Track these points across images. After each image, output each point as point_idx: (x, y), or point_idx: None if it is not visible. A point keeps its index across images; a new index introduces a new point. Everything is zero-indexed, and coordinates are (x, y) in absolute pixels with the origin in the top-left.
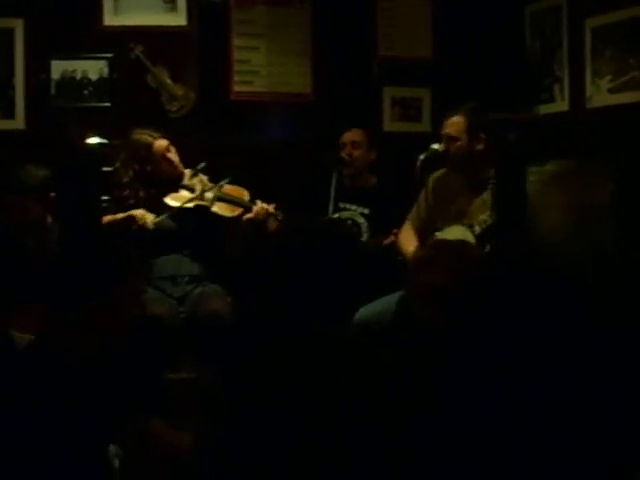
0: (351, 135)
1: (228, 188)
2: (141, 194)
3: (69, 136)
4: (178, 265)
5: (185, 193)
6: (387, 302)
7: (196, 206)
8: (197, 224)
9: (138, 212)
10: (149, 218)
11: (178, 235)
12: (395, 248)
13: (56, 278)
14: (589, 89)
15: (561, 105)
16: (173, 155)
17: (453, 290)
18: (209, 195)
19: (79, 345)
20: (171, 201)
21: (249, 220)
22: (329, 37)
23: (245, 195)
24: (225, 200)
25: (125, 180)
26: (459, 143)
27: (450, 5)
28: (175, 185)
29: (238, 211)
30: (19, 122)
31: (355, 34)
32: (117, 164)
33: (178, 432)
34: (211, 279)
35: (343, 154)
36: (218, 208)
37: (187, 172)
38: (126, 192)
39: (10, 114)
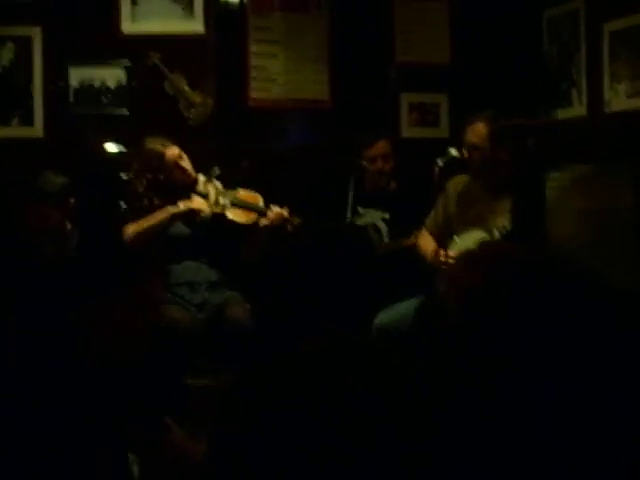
0: (381, 147)
1: (242, 194)
2: (156, 202)
3: (87, 143)
4: (196, 272)
5: (199, 200)
6: (407, 307)
7: (211, 213)
8: (212, 231)
9: (196, 205)
10: (207, 208)
11: (194, 242)
12: (415, 250)
13: (73, 276)
14: (607, 93)
15: (579, 110)
16: (185, 162)
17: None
18: (223, 201)
19: (95, 345)
20: (184, 204)
21: (264, 225)
22: (346, 43)
23: (260, 200)
24: (240, 206)
25: (140, 190)
26: (482, 151)
27: (467, 10)
28: (189, 192)
29: (253, 217)
30: (38, 130)
31: (372, 40)
32: (130, 174)
33: (197, 441)
34: (229, 285)
35: (374, 166)
36: (233, 214)
37: (201, 178)
38: (144, 202)
39: (29, 122)
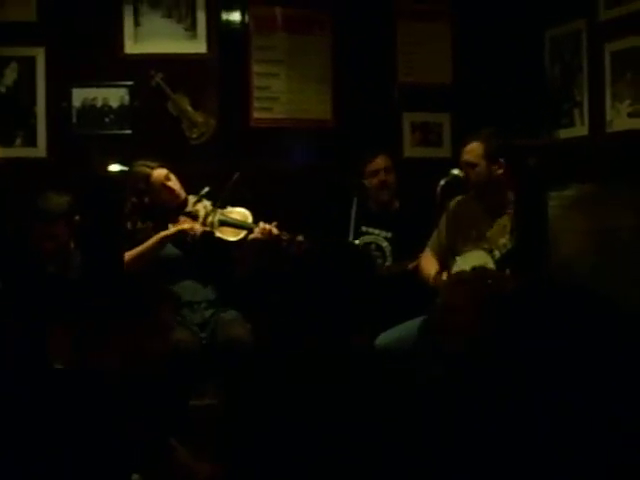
0: (382, 161)
1: (231, 212)
2: (138, 226)
3: (90, 164)
4: (193, 291)
5: (188, 220)
6: (408, 327)
7: (202, 231)
8: (203, 249)
9: (186, 225)
10: (198, 227)
11: (186, 262)
12: (418, 272)
13: (82, 302)
14: (609, 113)
15: (581, 129)
16: (173, 183)
17: (478, 326)
18: (211, 220)
19: (104, 368)
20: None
21: (253, 241)
22: (349, 63)
23: (248, 217)
24: (228, 224)
25: (126, 212)
26: (478, 169)
27: (469, 30)
28: (178, 213)
29: (242, 234)
30: (41, 150)
31: (375, 60)
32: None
33: (200, 460)
34: (227, 304)
35: (374, 180)
36: (222, 233)
37: (190, 198)
38: (128, 224)
39: (32, 142)
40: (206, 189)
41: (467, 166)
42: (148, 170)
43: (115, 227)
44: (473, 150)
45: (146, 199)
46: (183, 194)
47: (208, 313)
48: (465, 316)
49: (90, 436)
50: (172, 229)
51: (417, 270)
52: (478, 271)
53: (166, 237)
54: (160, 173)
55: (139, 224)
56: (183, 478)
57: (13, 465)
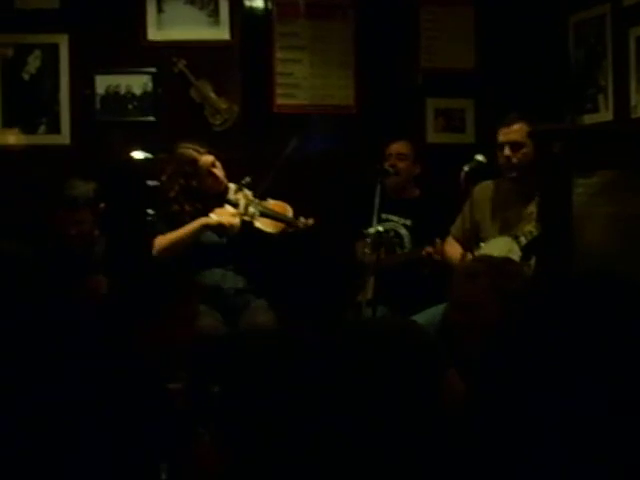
0: (397, 146)
1: (272, 204)
2: (187, 208)
3: (114, 151)
4: (222, 278)
5: (229, 208)
6: (431, 314)
7: (239, 227)
8: (241, 239)
9: (227, 220)
10: (237, 224)
11: (222, 250)
12: (434, 259)
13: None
14: (634, 98)
15: (605, 115)
16: (218, 170)
17: (490, 306)
18: (253, 210)
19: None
20: (216, 216)
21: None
22: (372, 49)
23: (288, 211)
24: (268, 216)
25: (172, 195)
26: (525, 149)
27: (493, 15)
28: (220, 200)
29: (281, 227)
30: (64, 137)
31: (398, 46)
32: (163, 178)
33: (224, 448)
34: (256, 293)
35: (387, 165)
36: (261, 223)
37: (232, 186)
38: (174, 207)
39: (56, 129)
40: (247, 179)
41: (512, 146)
42: (196, 154)
43: (139, 213)
44: (521, 130)
45: (193, 182)
46: (226, 182)
47: (236, 300)
48: (478, 310)
49: (124, 424)
50: (214, 219)
51: (432, 256)
52: (486, 262)
53: (207, 225)
54: (207, 159)
55: (187, 206)
56: (208, 466)
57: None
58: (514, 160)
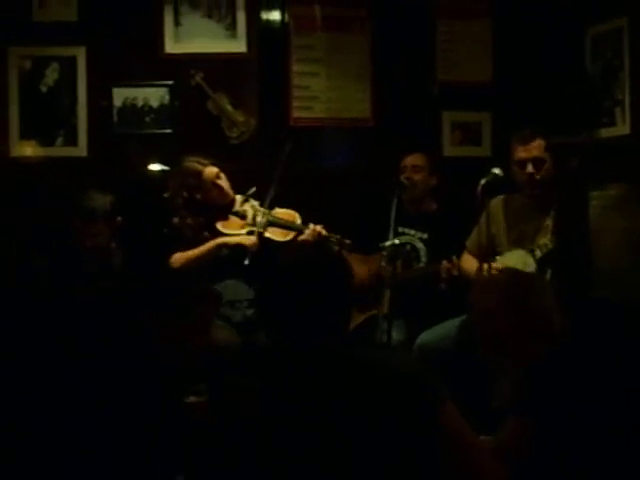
0: (412, 159)
1: (279, 212)
2: (189, 222)
3: (131, 163)
4: (235, 290)
5: (236, 220)
6: (448, 327)
7: (249, 232)
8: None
9: (248, 242)
10: (255, 244)
11: (233, 261)
12: (451, 274)
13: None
14: None
15: (622, 129)
16: (223, 182)
17: (503, 317)
18: (261, 220)
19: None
20: (223, 229)
21: (302, 242)
22: (388, 62)
23: (297, 218)
24: (277, 225)
25: (175, 208)
26: (547, 165)
27: (510, 28)
28: (226, 211)
29: (291, 235)
30: (82, 149)
31: (414, 58)
32: (168, 193)
33: None
34: None
35: (402, 178)
36: (271, 233)
37: (238, 198)
38: (175, 220)
39: (73, 142)
40: (253, 189)
41: (534, 163)
42: (200, 167)
43: (156, 226)
44: (540, 146)
45: (197, 195)
46: (232, 194)
47: (249, 312)
48: (498, 321)
49: (140, 436)
50: (233, 239)
51: (447, 272)
52: (506, 273)
53: (224, 245)
54: (211, 171)
55: (189, 219)
56: None
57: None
58: (537, 177)
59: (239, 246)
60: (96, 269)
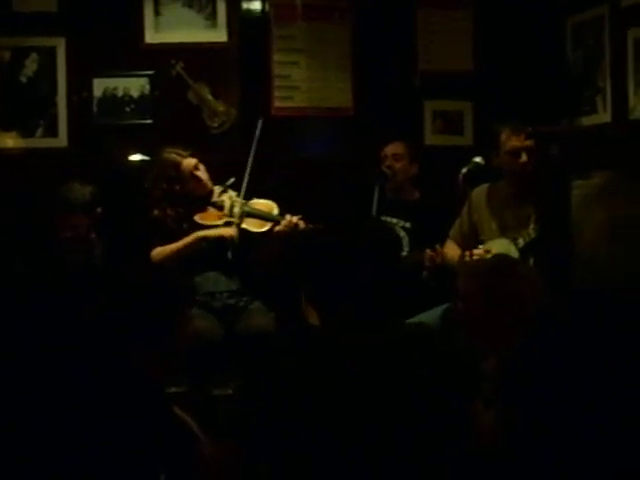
0: (392, 148)
1: (257, 203)
2: (169, 212)
3: (111, 154)
4: (216, 282)
5: (214, 211)
6: (431, 316)
7: (226, 223)
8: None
9: (227, 233)
10: (236, 235)
11: (211, 253)
12: (435, 262)
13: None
14: (632, 100)
15: (603, 117)
16: (202, 173)
17: (476, 301)
18: (238, 211)
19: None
20: (201, 220)
21: (278, 233)
22: (369, 51)
23: (274, 209)
24: (254, 215)
25: (154, 199)
26: (531, 156)
27: (491, 17)
28: (204, 202)
29: (267, 226)
30: (62, 140)
31: (395, 48)
32: (147, 183)
33: (223, 449)
34: (251, 294)
35: (384, 167)
36: (247, 224)
37: (216, 189)
38: (156, 212)
39: (53, 132)
40: (231, 180)
41: (526, 151)
42: (179, 158)
43: (137, 217)
44: (524, 137)
45: (176, 186)
46: (210, 185)
47: (231, 302)
48: (475, 305)
49: (121, 431)
50: (212, 232)
51: (430, 260)
52: (498, 259)
53: (205, 238)
54: (190, 162)
55: (169, 211)
56: (206, 467)
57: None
58: (530, 165)
59: (219, 238)
60: (78, 261)
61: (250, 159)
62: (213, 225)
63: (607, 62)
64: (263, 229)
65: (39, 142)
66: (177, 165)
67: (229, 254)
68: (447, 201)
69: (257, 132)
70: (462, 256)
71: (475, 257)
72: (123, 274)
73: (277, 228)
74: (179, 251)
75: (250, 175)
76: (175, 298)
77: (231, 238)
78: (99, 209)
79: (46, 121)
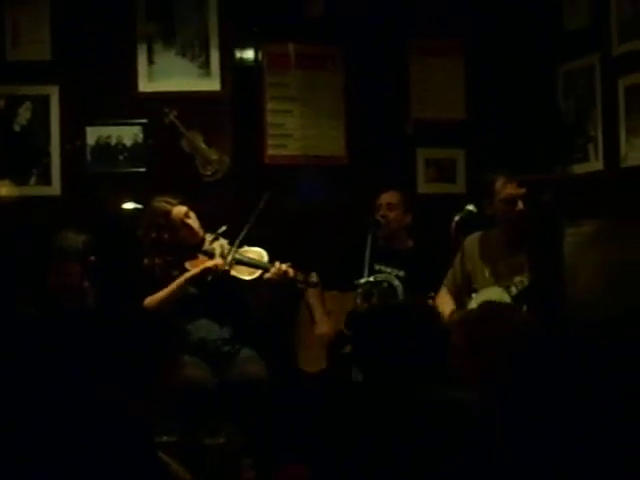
0: (387, 197)
1: (247, 250)
2: (157, 261)
3: (105, 202)
4: (208, 329)
5: (204, 258)
6: None
7: (224, 266)
8: (218, 288)
9: (210, 263)
10: (221, 264)
11: (201, 300)
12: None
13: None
14: (624, 148)
15: (595, 165)
16: (192, 221)
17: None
18: (228, 258)
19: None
20: (191, 267)
21: (268, 281)
22: (362, 99)
23: (264, 257)
24: (243, 263)
25: (144, 249)
26: (523, 205)
27: (483, 65)
28: (195, 250)
29: (257, 273)
30: (55, 188)
31: (388, 96)
32: (139, 232)
33: None
34: (242, 342)
35: (378, 216)
36: (236, 271)
37: (207, 236)
38: (145, 260)
39: (46, 181)
40: (223, 228)
41: (522, 199)
42: (168, 207)
43: (130, 264)
44: (517, 186)
45: (165, 235)
46: (201, 232)
47: (223, 350)
48: (462, 357)
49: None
50: (196, 269)
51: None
52: (483, 307)
53: (191, 278)
54: (180, 210)
55: (157, 260)
56: None
57: None
58: (517, 213)
59: (205, 271)
60: (71, 308)
61: (253, 219)
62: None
63: (598, 110)
64: (252, 277)
65: (33, 190)
66: (167, 213)
67: (209, 277)
68: (440, 249)
69: (261, 204)
70: (452, 314)
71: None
72: (113, 317)
73: (266, 275)
74: (168, 297)
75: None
76: (165, 340)
77: (215, 267)
78: (92, 257)
79: (39, 169)
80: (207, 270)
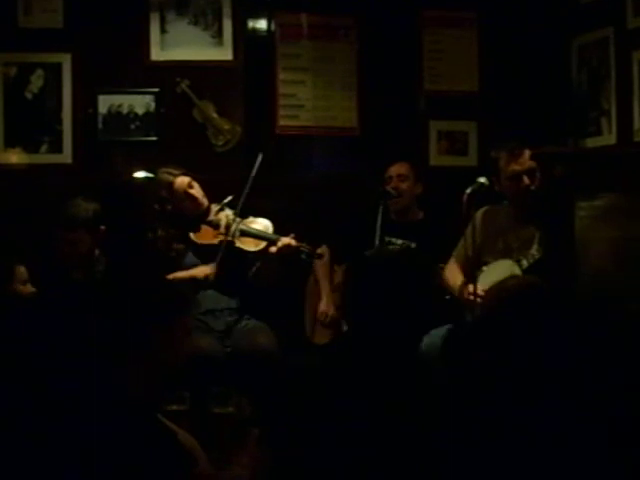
0: (397, 168)
1: (253, 222)
2: (160, 234)
3: (116, 170)
4: (215, 300)
5: (209, 229)
6: (435, 336)
7: (220, 242)
8: (224, 259)
9: (200, 274)
10: (211, 274)
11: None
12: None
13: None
14: (637, 121)
15: (608, 138)
16: (195, 191)
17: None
18: (233, 229)
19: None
20: (196, 239)
21: (273, 253)
22: (374, 71)
23: (269, 228)
24: (249, 234)
25: (147, 221)
26: (537, 174)
27: (496, 38)
28: (201, 221)
29: (262, 245)
30: (66, 156)
31: (401, 68)
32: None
33: (222, 469)
34: (251, 312)
35: (389, 187)
36: (242, 243)
37: (213, 207)
38: (148, 234)
39: (58, 149)
40: (229, 198)
41: (528, 174)
42: (171, 178)
43: (140, 232)
44: (529, 156)
45: (169, 207)
46: (206, 202)
47: (231, 320)
48: None
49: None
50: (184, 273)
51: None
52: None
53: (180, 280)
54: (183, 181)
55: (159, 232)
56: None
57: None
58: (532, 187)
59: (192, 280)
60: (79, 277)
61: (248, 185)
62: (208, 244)
63: (612, 84)
64: (258, 248)
65: (44, 158)
66: (169, 185)
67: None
68: (452, 221)
69: (255, 169)
70: (463, 289)
71: (476, 298)
72: (122, 282)
73: (271, 249)
74: None
75: (248, 195)
76: (175, 303)
77: (206, 277)
78: (103, 227)
79: (51, 137)
80: (194, 279)
